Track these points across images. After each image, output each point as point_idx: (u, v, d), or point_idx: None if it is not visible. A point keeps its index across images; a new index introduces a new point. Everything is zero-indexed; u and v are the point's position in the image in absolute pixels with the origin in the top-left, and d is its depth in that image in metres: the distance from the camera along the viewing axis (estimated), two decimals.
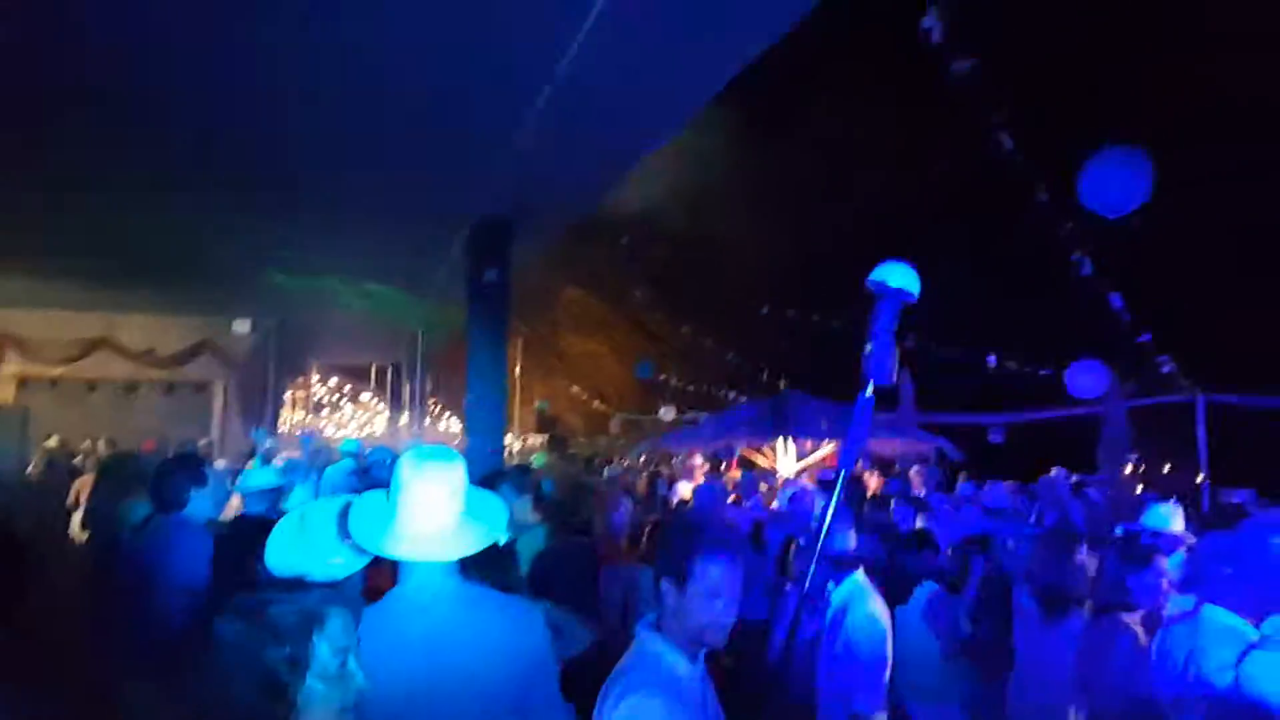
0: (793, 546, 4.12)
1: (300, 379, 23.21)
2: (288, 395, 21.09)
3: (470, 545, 2.15)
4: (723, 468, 12.41)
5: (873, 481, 10.79)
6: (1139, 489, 10.07)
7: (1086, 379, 8.65)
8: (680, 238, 12.19)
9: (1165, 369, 8.76)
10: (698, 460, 12.57)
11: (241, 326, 15.76)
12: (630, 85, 5.77)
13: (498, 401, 8.68)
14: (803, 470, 11.40)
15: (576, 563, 4.24)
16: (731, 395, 15.40)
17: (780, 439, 11.40)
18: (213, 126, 6.83)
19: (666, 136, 6.74)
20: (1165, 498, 7.48)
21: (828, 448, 11.50)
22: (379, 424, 30.05)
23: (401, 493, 2.13)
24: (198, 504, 4.06)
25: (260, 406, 15.93)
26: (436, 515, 2.13)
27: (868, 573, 4.25)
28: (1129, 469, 10.73)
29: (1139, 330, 8.04)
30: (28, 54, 5.50)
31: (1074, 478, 9.78)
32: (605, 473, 9.53)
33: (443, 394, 23.87)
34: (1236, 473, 9.26)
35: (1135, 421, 10.33)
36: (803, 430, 11.05)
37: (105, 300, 14.05)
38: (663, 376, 17.23)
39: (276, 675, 1.33)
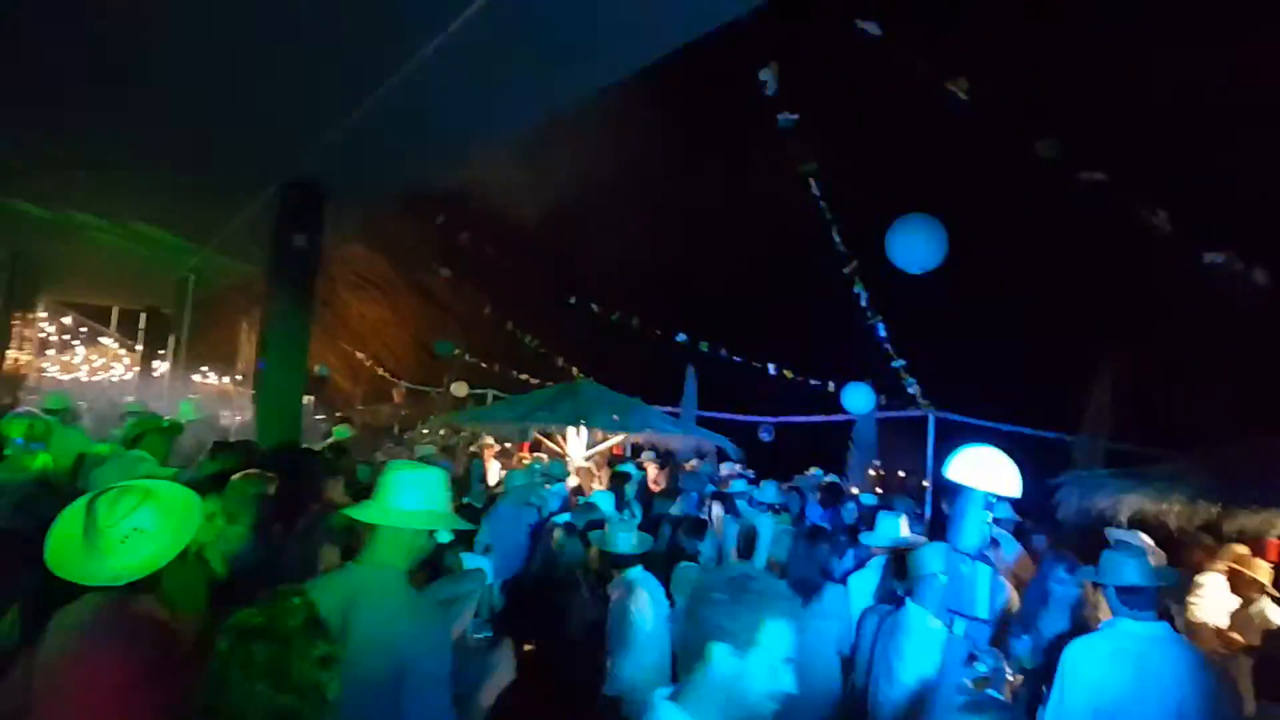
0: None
1: (27, 315, 20.33)
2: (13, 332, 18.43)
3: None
4: (518, 450, 12.60)
5: (652, 470, 11.49)
6: (878, 490, 11.56)
7: (859, 396, 9.86)
8: (492, 221, 12.20)
9: (910, 389, 10.17)
10: (488, 440, 12.70)
11: None
12: (476, 88, 5.83)
13: (296, 369, 8.33)
14: (591, 457, 11.88)
15: None
16: (524, 377, 15.63)
17: (573, 426, 11.77)
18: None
19: (500, 138, 6.84)
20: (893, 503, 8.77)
21: (617, 438, 12.07)
22: (119, 370, 27.00)
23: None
24: None
25: None
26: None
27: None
28: (872, 471, 12.30)
29: (894, 356, 9.30)
30: None
31: (828, 477, 11.08)
32: (416, 451, 9.34)
33: (202, 345, 21.94)
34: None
35: (880, 431, 11.91)
36: (596, 420, 11.49)
37: None
38: (458, 352, 17.06)
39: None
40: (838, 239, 7.38)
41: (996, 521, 7.30)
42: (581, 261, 12.14)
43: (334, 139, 7.05)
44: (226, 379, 23.99)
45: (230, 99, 6.65)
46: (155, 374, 21.31)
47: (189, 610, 2.68)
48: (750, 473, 11.62)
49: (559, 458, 11.84)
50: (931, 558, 3.73)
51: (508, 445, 13.06)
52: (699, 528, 5.49)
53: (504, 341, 15.53)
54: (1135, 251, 7.27)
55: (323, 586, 2.36)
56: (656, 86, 5.53)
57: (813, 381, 11.80)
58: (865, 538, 5.24)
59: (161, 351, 20.61)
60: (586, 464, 11.23)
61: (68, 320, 26.31)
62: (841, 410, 11.91)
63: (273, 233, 8.39)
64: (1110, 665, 3.19)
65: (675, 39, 4.76)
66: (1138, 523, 7.49)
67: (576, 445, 11.78)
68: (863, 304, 8.26)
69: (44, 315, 24.65)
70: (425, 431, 14.86)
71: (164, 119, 7.23)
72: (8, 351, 15.78)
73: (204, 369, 25.94)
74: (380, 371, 22.04)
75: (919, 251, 6.16)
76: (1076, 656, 3.28)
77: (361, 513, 2.55)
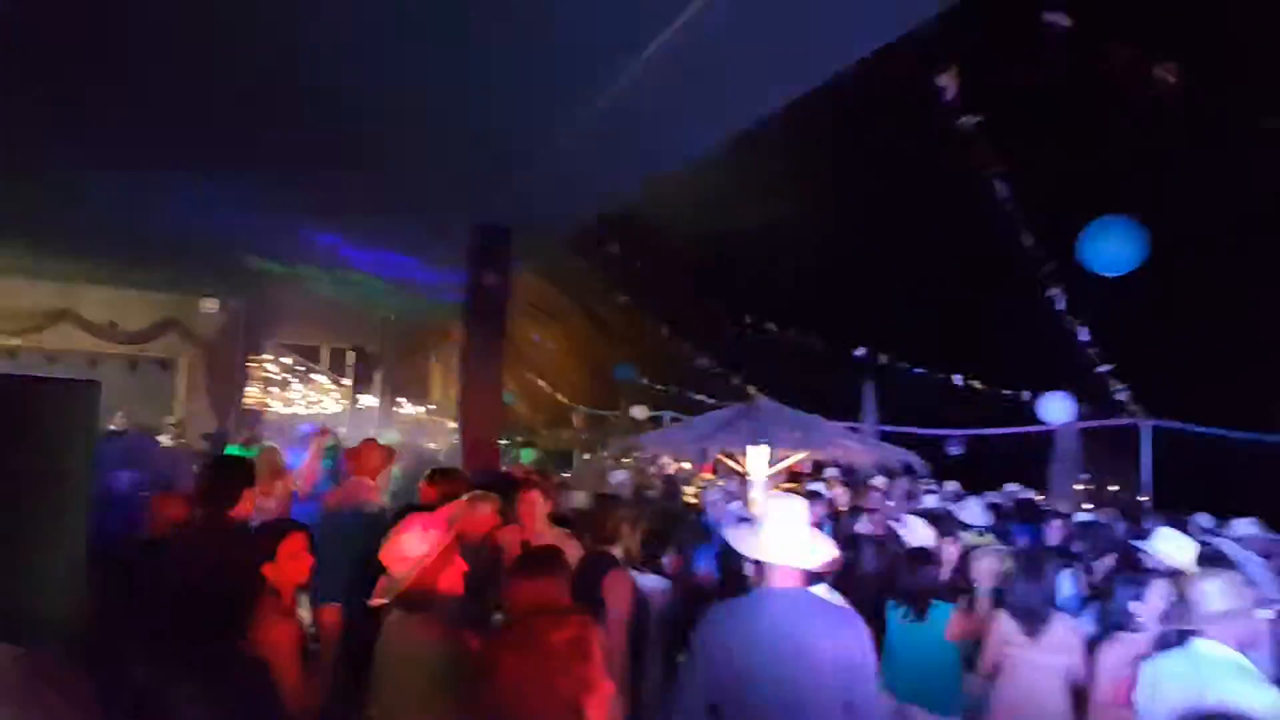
0: None
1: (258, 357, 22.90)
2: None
3: (819, 556, 2.88)
4: (700, 471, 12.73)
5: (837, 490, 11.24)
6: (1088, 506, 10.70)
7: (1057, 406, 9.24)
8: (665, 245, 12.47)
9: (1118, 397, 9.38)
10: (666, 461, 12.91)
11: (209, 305, 15.60)
12: (656, 116, 6.02)
13: (493, 400, 8.88)
14: (774, 475, 11.79)
15: None
16: (700, 398, 15.76)
17: (752, 445, 11.73)
18: (212, 107, 6.58)
19: (680, 164, 7.02)
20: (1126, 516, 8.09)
21: (798, 455, 11.92)
22: (329, 404, 29.73)
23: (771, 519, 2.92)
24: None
25: (226, 385, 15.78)
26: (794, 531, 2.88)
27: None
28: (1079, 486, 11.41)
29: (1100, 361, 8.62)
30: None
31: (1027, 493, 10.42)
32: (611, 476, 9.64)
33: (403, 379, 23.77)
34: (1176, 495, 9.92)
35: (1085, 443, 11.04)
36: (777, 439, 11.40)
37: (68, 271, 13.76)
38: (638, 377, 17.49)
39: None
40: (1030, 241, 6.98)
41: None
42: (756, 280, 12.14)
43: (523, 181, 7.51)
44: (421, 409, 25.87)
45: (429, 154, 7.27)
46: (361, 407, 23.33)
47: None
48: (935, 486, 11.13)
49: (740, 477, 11.84)
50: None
51: (687, 466, 13.22)
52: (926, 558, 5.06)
53: (680, 364, 15.75)
54: None
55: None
56: (829, 100, 5.48)
57: (1005, 392, 11.14)
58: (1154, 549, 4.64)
59: (366, 386, 22.56)
60: (768, 482, 11.16)
61: (287, 360, 29.36)
62: (1038, 421, 11.15)
63: (466, 272, 9.01)
64: None
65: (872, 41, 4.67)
66: None
67: (757, 464, 11.72)
68: (1059, 307, 7.72)
69: (269, 357, 27.70)
70: (606, 455, 15.30)
71: (376, 179, 7.99)
72: (247, 390, 17.79)
73: (402, 401, 28.12)
74: (559, 397, 22.91)
75: (1114, 257, 5.73)
76: None
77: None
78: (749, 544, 2.95)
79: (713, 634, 2.79)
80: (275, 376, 31.43)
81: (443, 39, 5.15)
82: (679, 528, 5.94)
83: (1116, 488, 13.16)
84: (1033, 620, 4.05)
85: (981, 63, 5.85)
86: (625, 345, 18.06)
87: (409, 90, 5.95)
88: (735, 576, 4.60)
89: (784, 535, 2.91)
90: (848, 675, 2.66)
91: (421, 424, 22.69)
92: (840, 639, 2.73)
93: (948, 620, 4.42)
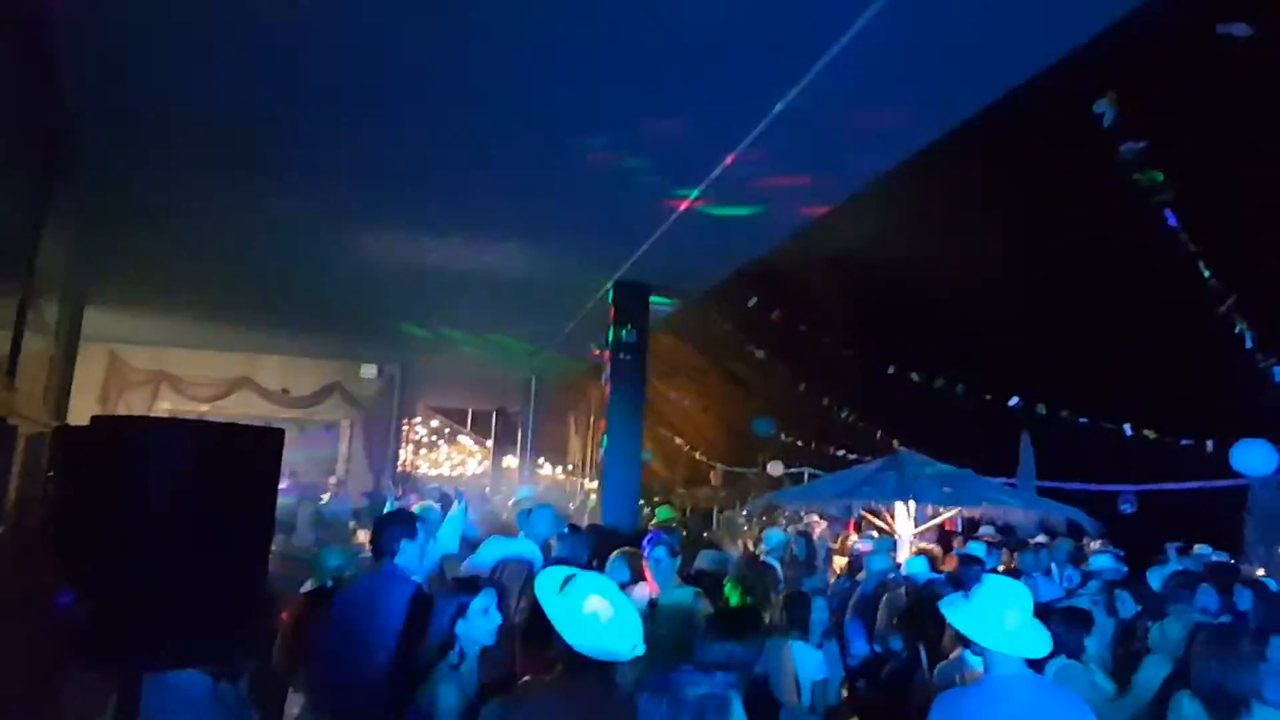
0: None
1: (410, 421, 24.16)
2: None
3: (1045, 646, 2.76)
4: (845, 529, 12.29)
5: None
6: None
7: (1256, 455, 8.34)
8: (802, 296, 12.34)
9: None
10: (815, 519, 12.51)
11: (369, 370, 16.66)
12: (792, 176, 6.01)
13: (633, 458, 8.94)
14: (922, 533, 11.21)
15: None
16: (840, 453, 15.30)
17: (900, 501, 11.23)
18: (382, 199, 7.25)
19: (824, 213, 6.96)
20: None
21: (949, 512, 11.29)
22: (471, 465, 30.85)
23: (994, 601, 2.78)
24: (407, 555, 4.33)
25: (383, 447, 16.69)
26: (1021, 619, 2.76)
27: None
28: None
29: None
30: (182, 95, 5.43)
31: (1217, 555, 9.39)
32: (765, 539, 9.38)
33: (544, 439, 24.38)
34: None
35: None
36: (924, 494, 10.87)
37: (247, 342, 15.05)
38: (776, 433, 17.23)
39: None
40: (1207, 273, 6.41)
41: None
42: (900, 328, 11.77)
43: (656, 241, 7.65)
44: (559, 469, 26.41)
45: (565, 214, 7.53)
46: (503, 466, 24.08)
47: None
48: (1118, 550, 10.21)
49: (887, 535, 11.33)
50: None
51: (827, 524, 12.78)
52: (1079, 619, 4.61)
53: (819, 418, 15.38)
54: None
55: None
56: (978, 136, 5.30)
57: (1184, 441, 10.17)
58: None
59: (508, 446, 23.29)
60: (914, 541, 10.62)
61: (435, 423, 30.83)
62: (1227, 473, 10.08)
63: (605, 332, 9.21)
64: None
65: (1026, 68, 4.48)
66: None
67: (905, 521, 11.19)
68: (1248, 345, 7.00)
69: (419, 420, 29.20)
70: (745, 513, 15.04)
71: (513, 245, 8.35)
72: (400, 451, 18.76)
73: (541, 460, 28.83)
74: (696, 455, 22.82)
75: None
76: None
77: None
78: (972, 626, 2.83)
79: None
80: (424, 439, 33.10)
81: (593, 95, 5.35)
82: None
83: None
84: (1226, 707, 3.51)
85: (1145, 84, 5.50)
86: (763, 401, 17.86)
87: (549, 152, 6.20)
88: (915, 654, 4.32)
89: (1011, 619, 2.80)
90: None
91: (559, 483, 23.12)
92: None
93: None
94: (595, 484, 17.13)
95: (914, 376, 11.32)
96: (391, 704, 3.43)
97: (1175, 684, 3.74)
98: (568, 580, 2.63)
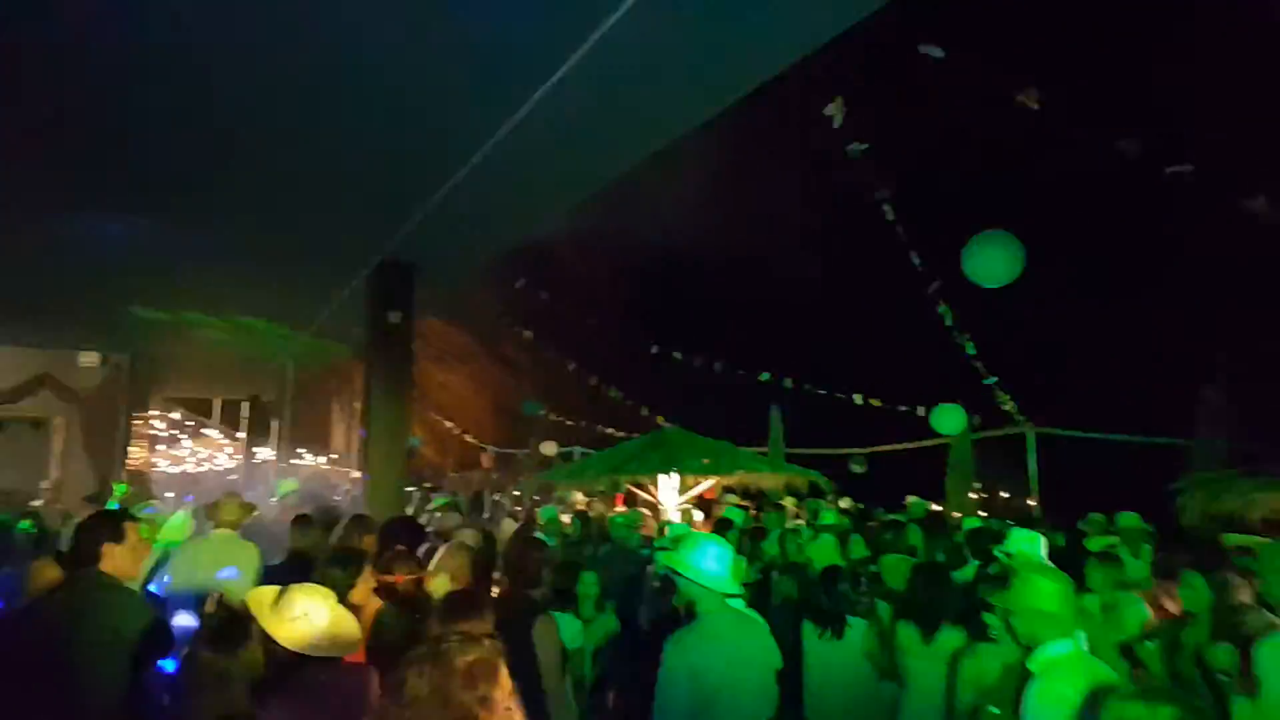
0: None
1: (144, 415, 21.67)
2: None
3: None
4: (612, 503, 12.71)
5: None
6: (982, 513, 11.25)
7: (950, 418, 9.69)
8: (568, 279, 12.57)
9: (1005, 407, 9.95)
10: (579, 496, 12.84)
11: (89, 359, 14.70)
12: (560, 156, 6.10)
13: (397, 442, 8.67)
14: (684, 504, 11.90)
15: None
16: (609, 431, 15.83)
17: (662, 474, 11.82)
18: (94, 142, 6.22)
19: (585, 195, 7.12)
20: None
21: (708, 482, 12.08)
22: (221, 460, 28.34)
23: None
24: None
25: (108, 446, 14.83)
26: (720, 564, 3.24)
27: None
28: (973, 495, 11.98)
29: (986, 374, 9.13)
30: None
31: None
32: (540, 514, 9.39)
33: (303, 430, 22.91)
34: (1062, 499, 10.54)
35: (978, 453, 11.64)
36: (686, 466, 11.52)
37: None
38: (544, 413, 17.43)
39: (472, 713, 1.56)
40: (917, 260, 7.39)
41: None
42: (661, 311, 12.36)
43: (423, 217, 7.45)
44: (322, 460, 24.93)
45: (320, 187, 7.09)
46: (257, 460, 22.33)
47: None
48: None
49: (652, 507, 11.90)
50: None
51: (595, 500, 13.17)
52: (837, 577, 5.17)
53: (588, 398, 15.79)
54: (1231, 243, 7.06)
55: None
56: (720, 133, 5.70)
57: (901, 408, 11.64)
58: None
59: (263, 438, 21.64)
60: (680, 511, 11.26)
61: (176, 416, 27.88)
62: (934, 434, 11.68)
63: (367, 314, 8.83)
64: None
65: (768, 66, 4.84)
66: (1272, 524, 7.12)
67: (669, 493, 11.82)
68: (948, 324, 8.17)
69: (155, 413, 26.23)
70: (517, 493, 15.13)
71: (270, 217, 7.75)
72: (130, 449, 16.78)
73: (301, 451, 27.06)
74: (468, 438, 22.56)
75: (996, 268, 6.13)
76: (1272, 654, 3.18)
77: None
78: (682, 567, 3.22)
79: (682, 658, 3.09)
80: (163, 434, 29.81)
81: (339, 69, 5.10)
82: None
83: (1007, 495, 13.87)
84: (931, 622, 4.15)
85: (866, 92, 6.21)
86: (533, 382, 18.01)
87: (303, 121, 5.84)
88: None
89: (711, 563, 3.22)
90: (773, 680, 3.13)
91: (323, 475, 21.87)
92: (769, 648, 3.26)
93: (864, 635, 4.47)
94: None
95: (676, 355, 11.96)
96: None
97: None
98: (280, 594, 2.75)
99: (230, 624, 2.53)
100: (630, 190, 7.30)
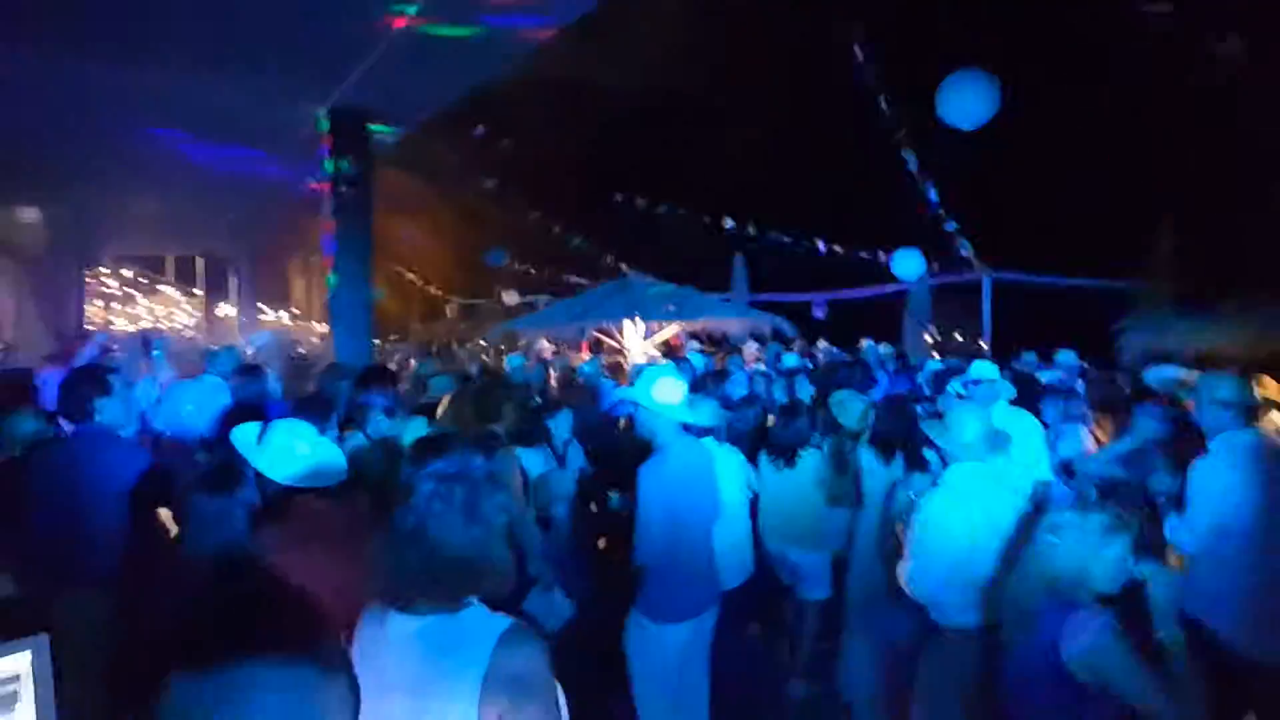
0: None
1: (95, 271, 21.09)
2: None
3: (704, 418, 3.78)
4: (578, 350, 12.93)
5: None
6: (936, 355, 11.70)
7: (908, 262, 9.87)
8: (529, 125, 12.18)
9: (964, 253, 10.15)
10: (544, 344, 13.05)
11: (28, 214, 14.13)
12: None
13: (362, 294, 8.65)
14: (649, 349, 12.17)
15: None
16: (573, 279, 15.85)
17: (628, 320, 12.00)
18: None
19: (540, 35, 6.80)
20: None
21: (672, 327, 12.32)
22: (181, 319, 27.96)
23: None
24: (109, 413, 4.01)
25: (62, 303, 14.54)
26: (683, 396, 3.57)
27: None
28: (928, 338, 12.40)
29: (946, 219, 9.26)
30: None
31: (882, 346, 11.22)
32: (506, 361, 9.49)
33: (261, 284, 22.56)
34: (1014, 345, 10.97)
35: (935, 299, 11.96)
36: (650, 312, 11.69)
37: None
38: (508, 261, 17.32)
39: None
40: (884, 105, 7.30)
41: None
42: (624, 157, 12.12)
43: (377, 61, 7.11)
44: (284, 314, 24.69)
45: (264, 28, 6.67)
46: (220, 315, 22.10)
47: None
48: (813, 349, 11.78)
49: (617, 353, 12.15)
50: None
51: (561, 347, 13.38)
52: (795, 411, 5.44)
53: (552, 246, 15.69)
54: (1191, 84, 7.07)
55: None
56: None
57: (863, 254, 11.81)
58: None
59: (221, 294, 21.32)
60: (646, 357, 11.51)
61: (128, 273, 27.16)
62: (893, 279, 11.93)
63: (324, 163, 8.55)
64: (1233, 474, 3.33)
65: None
66: (1208, 361, 7.55)
67: (634, 339, 12.04)
68: (911, 168, 8.18)
69: (105, 270, 25.48)
70: (483, 343, 15.30)
71: (216, 60, 7.31)
72: (86, 308, 16.48)
73: (262, 307, 26.72)
74: (431, 290, 22.45)
75: (970, 106, 6.10)
76: (1201, 474, 3.41)
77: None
78: (642, 399, 3.48)
79: (654, 483, 3.44)
80: (117, 292, 29.12)
81: None
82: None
83: (961, 338, 14.37)
84: (889, 451, 4.51)
85: None
86: (496, 231, 17.77)
87: None
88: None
89: (674, 395, 3.52)
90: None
91: (286, 329, 21.77)
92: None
93: (815, 465, 4.81)
94: (326, 328, 16.40)
95: (639, 202, 11.86)
96: (114, 569, 3.37)
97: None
98: (263, 430, 2.82)
99: (225, 467, 2.66)
100: (591, 36, 7.00)
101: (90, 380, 4.01)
